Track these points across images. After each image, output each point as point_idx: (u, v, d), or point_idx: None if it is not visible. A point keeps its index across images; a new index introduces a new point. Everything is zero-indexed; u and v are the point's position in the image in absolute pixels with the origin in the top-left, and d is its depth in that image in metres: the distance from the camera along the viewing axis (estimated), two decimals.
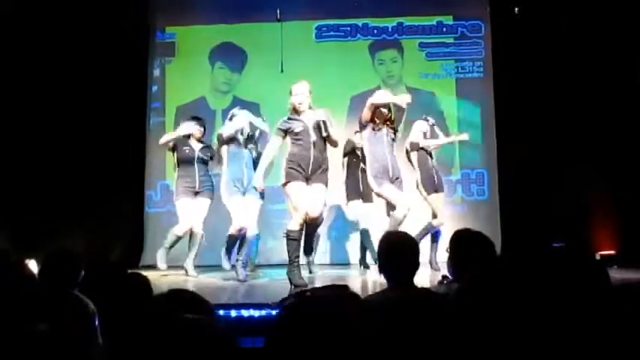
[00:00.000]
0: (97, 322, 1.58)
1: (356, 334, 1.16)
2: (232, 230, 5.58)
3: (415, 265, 2.47)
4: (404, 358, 1.65)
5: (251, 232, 5.65)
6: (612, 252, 6.32)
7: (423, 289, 2.46)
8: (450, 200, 7.06)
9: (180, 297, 1.69)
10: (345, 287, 2.01)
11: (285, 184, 4.82)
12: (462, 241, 2.66)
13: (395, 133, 5.70)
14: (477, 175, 7.41)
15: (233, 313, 3.75)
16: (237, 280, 5.36)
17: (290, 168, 4.78)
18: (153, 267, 6.68)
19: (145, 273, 2.37)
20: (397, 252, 2.48)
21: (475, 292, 1.39)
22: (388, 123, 5.65)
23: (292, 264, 4.71)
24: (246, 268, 5.66)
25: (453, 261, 2.65)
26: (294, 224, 4.74)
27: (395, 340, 1.64)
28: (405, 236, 2.62)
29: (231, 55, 7.66)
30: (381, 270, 2.55)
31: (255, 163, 5.65)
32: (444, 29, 7.59)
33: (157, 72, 7.69)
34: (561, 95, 6.98)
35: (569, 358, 1.54)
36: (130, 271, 2.42)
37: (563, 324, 1.58)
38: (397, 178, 5.51)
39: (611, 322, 1.71)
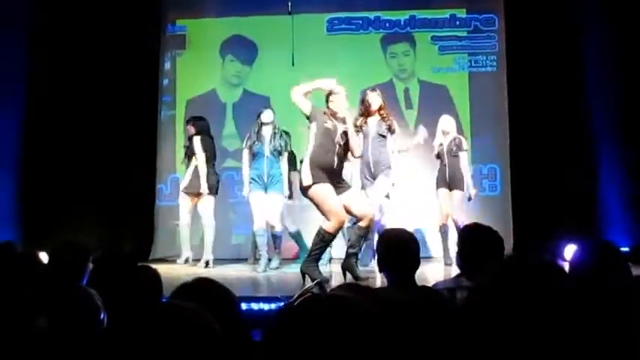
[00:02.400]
0: (102, 315, 1.56)
1: (360, 335, 1.13)
2: (254, 228, 5.82)
3: (416, 263, 2.45)
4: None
5: (276, 227, 5.89)
6: (626, 249, 6.24)
7: (425, 287, 2.44)
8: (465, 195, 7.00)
9: (206, 287, 1.68)
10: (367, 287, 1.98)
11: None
12: (471, 235, 2.63)
13: (389, 126, 5.72)
14: (489, 170, 7.34)
15: (243, 306, 3.74)
16: (256, 272, 5.57)
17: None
18: (163, 260, 6.70)
19: (154, 266, 2.36)
20: (397, 249, 2.46)
21: (494, 291, 1.34)
22: (382, 114, 5.70)
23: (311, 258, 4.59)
24: (270, 263, 5.82)
25: (462, 255, 2.61)
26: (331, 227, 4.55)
27: (392, 341, 1.61)
28: (405, 233, 2.60)
29: (241, 48, 7.62)
30: (381, 268, 2.52)
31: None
32: (457, 22, 7.49)
33: (167, 65, 7.66)
34: (575, 89, 6.89)
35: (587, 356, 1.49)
36: (139, 264, 2.41)
37: (585, 323, 1.53)
38: (381, 172, 5.62)
39: (631, 318, 1.68)
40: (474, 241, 2.58)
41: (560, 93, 6.91)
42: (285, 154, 6.06)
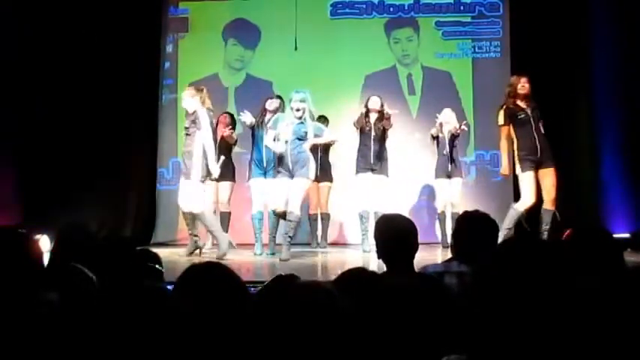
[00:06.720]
0: (96, 293, 1.57)
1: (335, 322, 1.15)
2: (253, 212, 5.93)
3: (414, 248, 2.46)
4: (399, 346, 1.63)
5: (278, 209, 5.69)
6: (627, 235, 6.25)
7: (423, 274, 2.44)
8: (464, 182, 7.00)
9: (215, 271, 1.68)
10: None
11: None
12: (469, 221, 2.63)
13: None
14: (492, 156, 7.32)
15: None
16: (280, 259, 5.32)
17: None
18: (164, 245, 6.72)
19: (155, 250, 2.36)
20: (396, 236, 2.47)
21: (496, 276, 1.34)
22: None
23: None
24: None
25: (457, 240, 2.62)
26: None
27: (391, 327, 1.61)
28: (403, 220, 2.61)
29: (244, 32, 7.57)
30: (380, 254, 2.53)
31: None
32: (462, 8, 7.42)
33: (169, 48, 7.62)
34: (579, 76, 6.86)
35: (586, 343, 1.50)
36: (140, 247, 2.41)
37: (580, 310, 1.54)
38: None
39: (628, 305, 1.68)
40: (470, 227, 2.59)
41: (564, 79, 6.87)
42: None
